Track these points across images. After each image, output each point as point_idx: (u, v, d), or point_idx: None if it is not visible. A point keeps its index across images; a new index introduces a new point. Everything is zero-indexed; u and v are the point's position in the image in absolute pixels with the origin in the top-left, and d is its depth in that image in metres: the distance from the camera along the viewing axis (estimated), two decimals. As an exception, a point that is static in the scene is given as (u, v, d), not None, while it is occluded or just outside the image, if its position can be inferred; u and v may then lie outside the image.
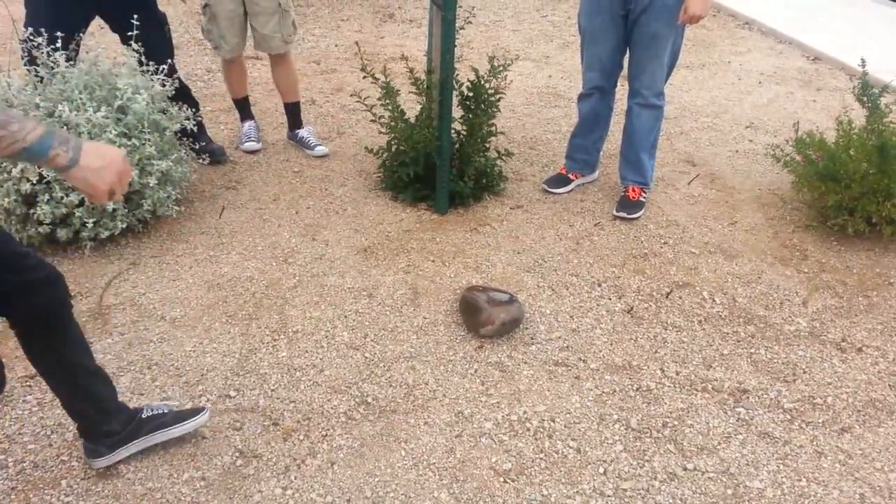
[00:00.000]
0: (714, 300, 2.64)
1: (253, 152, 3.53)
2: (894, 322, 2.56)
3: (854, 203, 2.89)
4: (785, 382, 2.26)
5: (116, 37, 3.02)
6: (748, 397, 2.20)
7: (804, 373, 2.31)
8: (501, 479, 1.88)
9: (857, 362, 2.36)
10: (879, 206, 2.83)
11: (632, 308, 2.57)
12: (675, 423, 2.09)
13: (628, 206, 3.16)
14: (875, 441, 2.06)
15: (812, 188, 3.04)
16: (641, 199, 3.19)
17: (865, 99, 3.06)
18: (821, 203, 3.03)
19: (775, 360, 2.36)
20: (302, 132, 3.59)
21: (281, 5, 3.18)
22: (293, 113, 3.58)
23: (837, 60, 5.28)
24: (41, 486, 1.80)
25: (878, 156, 2.83)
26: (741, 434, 2.06)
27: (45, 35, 2.64)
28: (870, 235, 2.98)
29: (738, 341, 2.44)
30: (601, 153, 3.40)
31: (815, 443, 2.05)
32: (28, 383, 2.10)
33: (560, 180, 3.34)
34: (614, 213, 3.16)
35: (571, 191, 3.35)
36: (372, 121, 3.15)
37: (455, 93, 2.94)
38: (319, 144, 3.55)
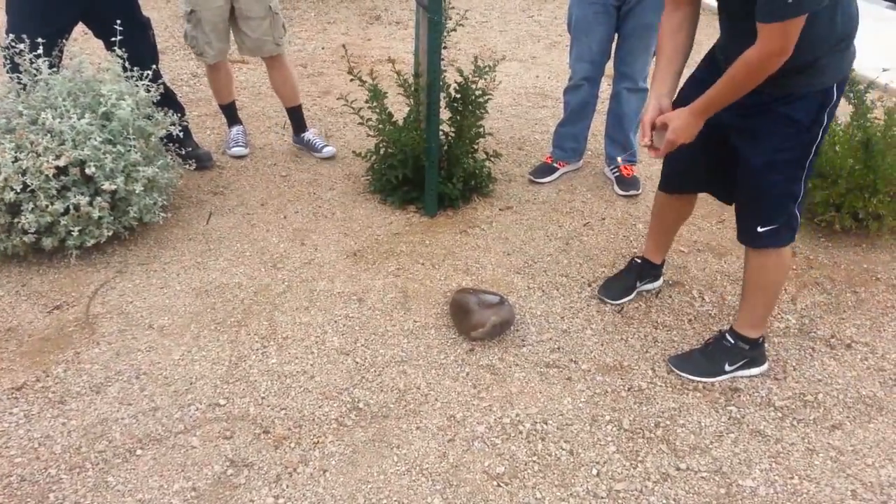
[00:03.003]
0: (704, 298, 2.64)
1: (240, 157, 3.51)
2: (882, 318, 2.58)
3: (841, 199, 2.90)
4: (775, 380, 2.27)
5: (100, 42, 2.99)
6: (739, 396, 2.20)
7: (794, 370, 2.32)
8: (495, 483, 1.88)
9: (846, 358, 2.37)
10: (866, 202, 2.85)
11: (622, 308, 2.57)
12: (668, 422, 2.09)
13: (628, 183, 3.32)
14: (866, 437, 2.07)
15: (799, 185, 3.05)
16: (635, 174, 3.36)
17: (852, 95, 3.07)
18: (807, 199, 3.04)
19: (766, 358, 2.36)
20: (308, 135, 3.57)
21: (271, 9, 3.16)
22: (296, 117, 3.55)
23: (822, 57, 5.30)
24: (28, 500, 1.78)
25: (863, 152, 2.85)
26: (733, 433, 2.06)
27: (28, 42, 2.61)
28: (857, 231, 3.00)
29: (729, 339, 2.44)
30: (588, 140, 3.49)
31: (806, 440, 2.05)
32: (14, 395, 2.08)
33: (545, 170, 3.41)
34: (620, 193, 3.31)
35: (557, 179, 3.40)
36: (360, 124, 3.14)
37: (443, 94, 2.94)
38: (327, 146, 3.54)
